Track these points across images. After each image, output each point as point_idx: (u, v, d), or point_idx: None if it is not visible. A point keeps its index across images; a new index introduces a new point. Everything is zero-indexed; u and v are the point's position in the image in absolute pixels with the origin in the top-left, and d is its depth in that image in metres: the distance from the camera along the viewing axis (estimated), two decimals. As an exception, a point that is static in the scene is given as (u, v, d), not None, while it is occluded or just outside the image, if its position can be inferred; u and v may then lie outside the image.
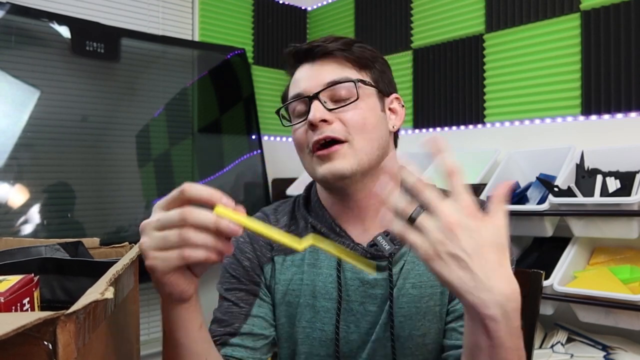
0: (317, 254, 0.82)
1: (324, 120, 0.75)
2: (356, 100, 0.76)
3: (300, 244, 0.57)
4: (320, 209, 0.84)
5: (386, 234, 0.79)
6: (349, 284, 0.79)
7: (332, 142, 0.75)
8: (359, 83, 0.77)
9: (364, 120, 0.76)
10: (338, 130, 0.75)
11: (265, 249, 0.84)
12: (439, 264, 0.52)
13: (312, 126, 0.75)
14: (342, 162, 0.74)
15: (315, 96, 0.76)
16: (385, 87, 0.83)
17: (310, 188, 0.91)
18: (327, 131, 0.75)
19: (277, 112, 0.84)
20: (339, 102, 0.77)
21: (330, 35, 0.81)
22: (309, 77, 0.78)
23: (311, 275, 0.81)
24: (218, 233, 0.52)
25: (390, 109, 0.83)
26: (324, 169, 0.75)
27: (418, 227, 0.53)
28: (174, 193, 0.54)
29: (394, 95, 0.84)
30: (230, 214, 0.52)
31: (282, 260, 0.83)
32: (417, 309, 0.77)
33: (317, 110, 0.74)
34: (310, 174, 0.80)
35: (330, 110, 0.76)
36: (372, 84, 0.80)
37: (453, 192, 0.53)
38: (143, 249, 0.54)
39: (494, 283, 0.51)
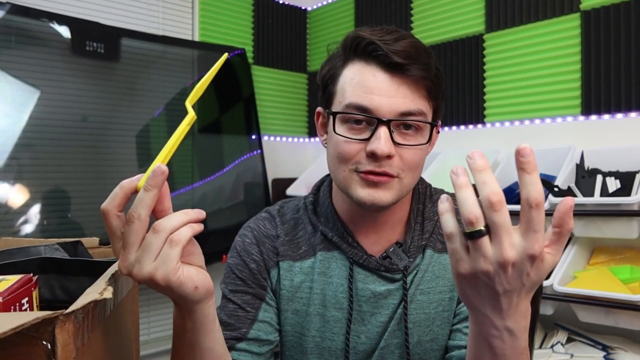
0: (328, 262, 0.80)
1: (388, 156, 0.70)
2: (425, 143, 0.73)
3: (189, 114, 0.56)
4: (332, 215, 0.82)
5: (399, 245, 0.78)
6: (360, 295, 0.78)
7: (384, 173, 0.71)
8: (434, 125, 0.74)
9: (420, 161, 0.74)
10: (395, 167, 0.71)
11: (271, 252, 0.83)
12: (470, 285, 0.48)
13: (374, 156, 0.70)
14: (387, 194, 0.72)
15: (388, 123, 0.70)
16: (438, 116, 0.78)
17: (318, 190, 0.88)
18: (385, 166, 0.70)
19: (335, 114, 0.74)
20: (404, 134, 0.71)
21: (399, 33, 0.72)
22: (386, 93, 0.70)
23: (321, 284, 0.80)
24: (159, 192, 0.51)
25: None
26: (366, 194, 0.72)
27: (473, 245, 0.45)
28: (108, 226, 0.52)
29: (438, 124, 0.79)
30: (146, 173, 0.52)
31: (289, 266, 0.82)
32: (426, 315, 0.77)
33: (386, 144, 0.69)
34: (343, 187, 0.75)
35: (396, 143, 0.71)
36: (438, 121, 0.76)
37: (529, 226, 0.44)
38: (138, 270, 0.49)
39: (511, 313, 0.49)
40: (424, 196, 0.83)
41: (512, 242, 0.44)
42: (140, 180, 0.51)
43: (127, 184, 0.51)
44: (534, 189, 0.43)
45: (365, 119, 0.71)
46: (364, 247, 0.79)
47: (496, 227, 0.44)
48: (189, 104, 0.56)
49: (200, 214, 0.52)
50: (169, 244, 0.49)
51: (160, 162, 0.52)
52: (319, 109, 0.82)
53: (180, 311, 0.56)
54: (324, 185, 0.87)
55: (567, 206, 0.44)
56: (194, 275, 0.53)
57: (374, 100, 0.70)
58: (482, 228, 0.44)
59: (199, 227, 0.52)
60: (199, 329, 0.57)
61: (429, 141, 0.73)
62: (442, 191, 0.87)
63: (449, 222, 0.47)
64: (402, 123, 0.71)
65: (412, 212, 0.81)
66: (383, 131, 0.69)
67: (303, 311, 0.80)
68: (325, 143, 0.79)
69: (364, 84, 0.71)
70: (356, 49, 0.73)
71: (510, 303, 0.47)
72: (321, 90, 0.80)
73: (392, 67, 0.70)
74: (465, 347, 0.73)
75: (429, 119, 0.74)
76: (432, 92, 0.73)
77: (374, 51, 0.71)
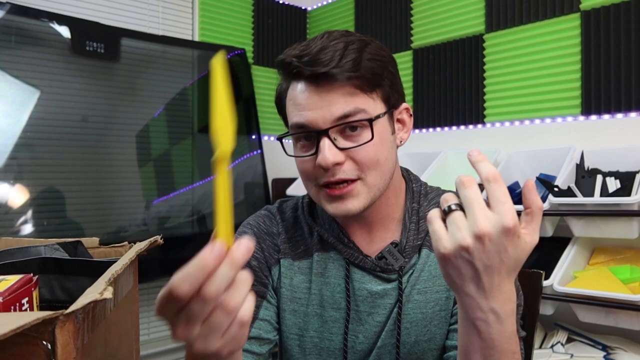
0: (325, 263, 0.81)
1: (336, 163, 0.70)
2: (370, 140, 0.71)
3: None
4: (327, 217, 0.82)
5: (394, 245, 0.78)
6: (357, 294, 0.78)
7: (342, 181, 0.71)
8: (374, 119, 0.71)
9: (377, 156, 0.72)
10: (350, 171, 0.71)
11: (272, 249, 0.83)
12: (452, 264, 0.50)
13: (323, 168, 0.70)
14: (354, 202, 0.71)
15: (325, 132, 0.70)
16: (395, 101, 0.76)
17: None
18: (339, 173, 0.70)
19: (280, 138, 0.76)
20: (350, 137, 0.71)
21: (331, 36, 0.72)
22: (315, 106, 0.70)
23: (319, 285, 0.80)
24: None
25: (398, 120, 0.78)
26: (334, 208, 0.72)
27: (450, 221, 0.50)
28: (169, 301, 0.42)
29: (403, 106, 0.79)
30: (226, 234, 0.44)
31: (289, 264, 0.82)
32: (423, 315, 0.77)
33: (329, 153, 0.69)
34: (318, 203, 0.76)
35: (341, 149, 0.70)
36: (385, 109, 0.74)
37: (493, 199, 0.48)
38: (205, 350, 0.44)
39: (495, 294, 0.50)
40: (418, 195, 0.83)
41: (485, 215, 0.48)
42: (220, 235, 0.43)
43: (213, 264, 0.42)
44: (486, 168, 0.49)
45: (307, 135, 0.73)
46: (360, 247, 0.80)
47: (468, 201, 0.49)
48: (221, 162, 0.48)
49: (248, 276, 0.46)
50: (238, 326, 0.44)
51: (227, 230, 0.44)
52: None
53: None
54: None
55: (529, 186, 0.49)
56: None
57: (308, 116, 0.71)
58: (454, 204, 0.50)
59: (253, 297, 0.46)
60: None
61: (373, 137, 0.71)
62: (438, 189, 0.86)
63: (431, 210, 0.53)
64: (341, 128, 0.71)
65: (407, 212, 0.81)
66: (324, 142, 0.70)
67: (301, 312, 0.80)
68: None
69: (297, 103, 0.73)
70: (285, 72, 0.75)
71: (492, 282, 0.50)
72: (278, 110, 0.82)
73: (317, 79, 0.70)
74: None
75: (376, 112, 0.72)
76: (368, 85, 0.72)
77: (294, 69, 0.71)
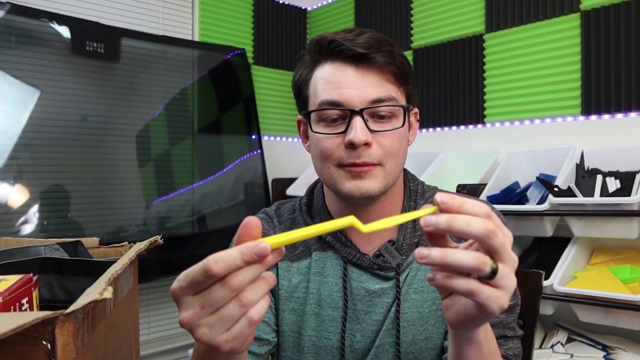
0: (323, 262, 0.81)
1: (365, 143, 0.72)
2: (400, 127, 0.74)
3: (365, 226, 0.47)
4: (325, 216, 0.83)
5: (391, 243, 0.78)
6: (355, 293, 0.79)
7: (367, 164, 0.73)
8: (407, 108, 0.75)
9: (399, 146, 0.75)
10: (375, 155, 0.72)
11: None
12: (477, 320, 0.49)
13: (352, 145, 0.71)
14: (373, 182, 0.73)
15: (360, 112, 0.72)
16: (413, 102, 0.80)
17: (312, 192, 0.89)
18: (365, 156, 0.72)
19: (310, 113, 0.77)
20: (379, 123, 0.74)
21: (361, 31, 0.75)
22: (353, 84, 0.73)
23: (317, 284, 0.80)
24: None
25: (409, 123, 0.81)
26: (352, 185, 0.73)
27: (496, 282, 0.45)
28: (199, 276, 0.43)
29: (414, 110, 0.82)
30: (276, 239, 0.45)
31: (287, 266, 0.82)
32: (420, 314, 0.77)
33: (361, 132, 0.71)
34: (330, 185, 0.76)
35: (372, 131, 0.72)
36: (412, 105, 0.78)
37: (501, 250, 0.45)
38: (208, 339, 0.45)
39: None
40: (415, 194, 0.83)
41: (510, 249, 0.46)
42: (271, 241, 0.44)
43: (249, 257, 0.43)
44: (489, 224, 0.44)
45: (340, 113, 0.74)
46: (358, 246, 0.80)
47: (499, 249, 0.45)
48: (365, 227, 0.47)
49: (273, 279, 0.46)
50: (247, 322, 0.44)
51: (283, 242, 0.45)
52: (299, 117, 0.84)
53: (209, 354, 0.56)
54: (318, 187, 0.88)
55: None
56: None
57: (344, 93, 0.72)
58: (491, 261, 0.45)
59: (269, 300, 0.47)
60: None
61: (403, 124, 0.75)
62: (435, 188, 0.87)
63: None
64: (375, 112, 0.73)
65: (404, 210, 0.82)
66: (357, 121, 0.71)
67: (300, 310, 0.81)
68: (309, 147, 0.81)
69: (333, 80, 0.74)
70: (320, 50, 0.76)
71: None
72: (296, 97, 0.83)
73: (357, 59, 0.73)
74: None
75: (401, 104, 0.76)
76: (399, 77, 0.75)
77: (337, 47, 0.73)
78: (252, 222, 0.45)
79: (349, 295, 0.79)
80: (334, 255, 0.81)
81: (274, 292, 0.82)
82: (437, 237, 0.47)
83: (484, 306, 0.45)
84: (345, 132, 0.72)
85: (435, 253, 0.44)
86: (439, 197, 0.45)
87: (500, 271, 0.45)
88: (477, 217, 0.44)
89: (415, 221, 0.80)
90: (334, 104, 0.73)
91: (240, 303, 0.44)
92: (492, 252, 0.45)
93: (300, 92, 0.80)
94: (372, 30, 0.76)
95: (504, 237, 0.45)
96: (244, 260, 0.43)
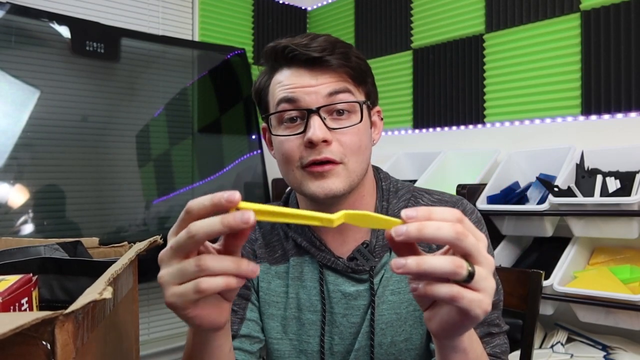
0: (301, 267, 0.82)
1: (324, 141, 0.72)
2: (359, 122, 0.74)
3: (333, 220, 0.48)
4: None
5: (365, 245, 0.78)
6: (332, 297, 0.79)
7: (327, 161, 0.73)
8: (363, 103, 0.76)
9: (360, 143, 0.75)
10: (336, 152, 0.73)
11: (251, 254, 0.85)
12: (462, 326, 0.48)
13: (311, 144, 0.72)
14: (336, 181, 0.73)
15: (317, 111, 0.73)
16: (374, 101, 0.81)
17: (287, 199, 0.89)
18: (325, 152, 0.72)
19: (267, 117, 0.78)
20: (338, 119, 0.74)
21: (316, 35, 0.76)
22: (307, 85, 0.74)
23: (296, 288, 0.81)
24: (233, 235, 0.45)
25: (371, 122, 0.81)
26: (316, 187, 0.73)
27: (475, 285, 0.44)
28: (181, 215, 0.46)
29: (376, 108, 0.83)
30: (250, 205, 0.44)
31: (266, 269, 0.83)
32: (398, 315, 0.77)
33: (319, 130, 0.71)
34: (296, 188, 0.77)
35: (330, 128, 0.73)
36: (369, 102, 0.78)
37: (475, 252, 0.45)
38: (161, 282, 0.47)
39: None
40: (387, 193, 0.83)
41: (485, 249, 0.47)
42: (242, 204, 0.43)
43: (217, 198, 0.43)
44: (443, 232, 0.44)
45: (297, 114, 0.74)
46: (332, 250, 0.80)
47: (472, 251, 0.44)
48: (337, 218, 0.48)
49: (254, 269, 0.46)
50: (194, 286, 0.44)
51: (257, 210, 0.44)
52: (264, 125, 0.84)
53: (191, 331, 0.59)
54: (293, 193, 0.89)
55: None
56: (211, 314, 0.49)
57: (299, 91, 0.74)
58: (466, 264, 0.44)
59: (235, 284, 0.45)
60: (210, 354, 0.58)
61: (362, 119, 0.75)
62: (408, 186, 0.85)
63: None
64: (332, 109, 0.74)
65: (376, 211, 0.81)
66: (315, 119, 0.72)
67: (279, 315, 0.81)
68: (274, 154, 0.81)
69: (287, 83, 0.75)
70: (276, 57, 0.77)
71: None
72: (257, 104, 0.83)
73: (311, 63, 0.74)
74: None
75: (358, 99, 0.76)
76: (355, 78, 0.76)
77: (291, 52, 0.74)
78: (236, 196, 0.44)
79: (326, 299, 0.79)
80: (310, 260, 0.81)
81: (257, 293, 0.83)
82: (406, 250, 0.46)
83: (467, 311, 0.45)
84: (304, 132, 0.73)
85: (411, 261, 0.43)
86: (404, 213, 0.45)
87: (478, 273, 0.44)
88: (446, 222, 0.44)
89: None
90: (290, 101, 0.74)
91: (197, 263, 0.44)
92: (466, 255, 0.45)
93: (261, 99, 0.81)
94: (327, 34, 0.78)
95: (476, 240, 0.45)
96: (213, 203, 0.43)
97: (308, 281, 0.81)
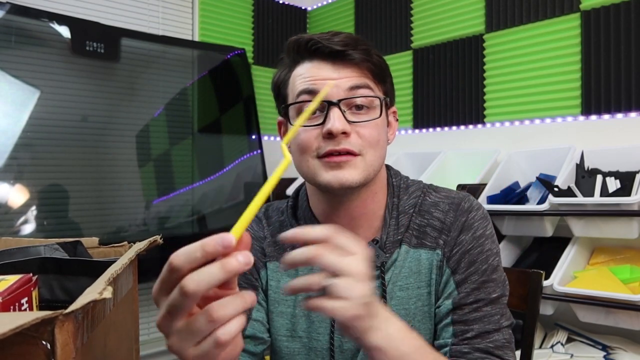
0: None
1: (343, 132, 0.72)
2: (378, 117, 0.75)
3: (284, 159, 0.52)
4: (309, 217, 0.83)
5: (375, 242, 0.78)
6: None
7: (346, 152, 0.73)
8: (384, 99, 0.76)
9: (379, 137, 0.75)
10: (355, 143, 0.73)
11: (260, 253, 0.84)
12: (365, 319, 0.53)
13: (330, 135, 0.72)
14: (352, 172, 0.73)
15: (337, 103, 0.73)
16: (391, 100, 0.82)
17: (297, 195, 0.89)
18: (344, 143, 0.72)
19: (287, 105, 0.77)
20: (357, 114, 0.74)
21: (338, 32, 0.76)
22: (329, 78, 0.74)
23: None
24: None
25: (387, 121, 0.81)
26: (331, 176, 0.73)
27: (336, 294, 0.50)
28: (164, 274, 0.43)
29: (393, 109, 0.83)
30: (238, 230, 0.44)
31: (276, 267, 0.83)
32: (406, 311, 0.77)
33: (339, 121, 0.71)
34: (309, 177, 0.76)
35: (349, 122, 0.73)
36: (388, 99, 0.79)
37: (333, 267, 0.51)
38: (175, 351, 0.44)
39: (382, 319, 0.55)
40: (398, 189, 0.83)
41: (349, 260, 0.52)
42: (233, 239, 0.42)
43: (212, 247, 0.42)
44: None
45: (317, 105, 0.73)
46: None
47: (329, 266, 0.51)
48: (284, 145, 0.54)
49: (255, 300, 0.45)
50: (214, 341, 0.42)
51: (245, 223, 0.45)
52: (280, 118, 0.84)
53: None
54: (302, 190, 0.88)
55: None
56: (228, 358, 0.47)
57: (320, 84, 0.74)
58: (327, 280, 0.51)
59: (244, 322, 0.44)
60: None
61: (381, 114, 0.75)
62: (419, 183, 0.86)
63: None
64: (352, 103, 0.74)
65: (387, 207, 0.81)
66: (335, 111, 0.72)
67: (289, 313, 0.81)
68: (289, 147, 0.81)
69: (308, 75, 0.75)
70: (299, 50, 0.77)
71: (378, 307, 0.55)
72: (275, 98, 0.83)
73: (333, 56, 0.74)
74: (446, 346, 0.73)
75: (378, 95, 0.77)
76: (376, 74, 0.77)
77: (314, 45, 0.75)
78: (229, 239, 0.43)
79: None
80: None
81: (265, 292, 0.83)
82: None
83: (335, 316, 0.51)
84: (323, 123, 0.73)
85: (289, 286, 0.52)
86: (282, 236, 0.51)
87: (336, 284, 0.50)
88: (302, 248, 0.51)
89: (398, 219, 0.80)
90: (310, 92, 0.74)
91: (208, 318, 0.41)
92: (326, 270, 0.50)
93: (280, 92, 0.81)
94: (350, 33, 0.78)
95: (334, 256, 0.50)
96: (206, 253, 0.41)
97: None
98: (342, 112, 0.72)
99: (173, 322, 0.43)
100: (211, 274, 0.41)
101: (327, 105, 0.73)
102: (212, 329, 0.42)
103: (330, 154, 0.72)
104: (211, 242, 0.41)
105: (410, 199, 0.82)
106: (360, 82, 0.74)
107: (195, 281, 0.41)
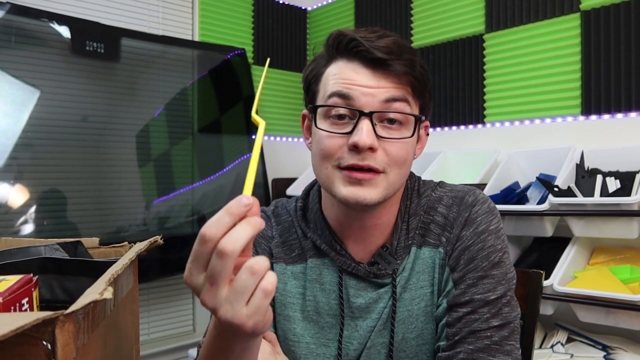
0: (319, 269, 0.79)
1: (370, 148, 0.68)
2: (409, 137, 0.71)
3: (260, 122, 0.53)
4: (320, 221, 0.80)
5: (385, 249, 0.77)
6: (352, 301, 0.77)
7: (369, 169, 0.69)
8: (420, 119, 0.72)
9: (406, 157, 0.71)
10: (380, 161, 0.69)
11: (266, 253, 0.82)
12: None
13: (355, 148, 0.68)
14: (372, 191, 0.69)
15: (370, 115, 0.68)
16: (426, 115, 0.77)
17: (307, 195, 0.86)
18: (369, 159, 0.68)
19: (317, 108, 0.73)
20: (388, 128, 0.70)
21: (384, 33, 0.72)
22: (365, 85, 0.70)
23: (314, 291, 0.79)
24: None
25: (418, 136, 0.77)
26: (349, 192, 0.69)
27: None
28: (197, 247, 0.45)
29: (425, 123, 0.78)
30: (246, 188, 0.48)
31: (282, 269, 0.81)
32: (410, 312, 0.76)
33: (367, 135, 0.67)
34: (326, 185, 0.73)
35: (379, 136, 0.69)
36: (424, 117, 0.74)
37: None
38: (231, 317, 0.45)
39: None
40: (411, 192, 0.80)
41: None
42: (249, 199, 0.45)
43: (236, 209, 0.45)
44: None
45: (348, 112, 0.70)
46: (352, 254, 0.78)
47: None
48: (254, 114, 0.55)
49: (263, 223, 0.48)
50: (262, 293, 0.45)
51: (250, 184, 0.47)
52: (304, 111, 0.80)
53: (228, 341, 0.53)
54: (314, 190, 0.85)
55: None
56: (270, 317, 0.48)
57: (355, 90, 0.69)
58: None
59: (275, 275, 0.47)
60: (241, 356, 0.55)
61: (413, 134, 0.71)
62: (430, 182, 0.84)
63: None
64: (385, 117, 0.70)
65: (400, 212, 0.79)
66: (365, 123, 0.68)
67: (295, 317, 0.79)
68: (310, 144, 0.78)
69: (345, 77, 0.71)
70: (338, 47, 0.72)
71: None
72: (305, 90, 0.79)
73: (374, 63, 0.70)
74: (442, 346, 0.72)
75: (414, 112, 0.72)
76: (416, 88, 0.72)
77: (356, 47, 0.70)
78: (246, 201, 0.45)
79: (345, 304, 0.78)
80: (330, 263, 0.79)
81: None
82: None
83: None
84: (350, 133, 0.69)
85: None
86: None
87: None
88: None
89: (409, 222, 0.78)
90: (343, 97, 0.70)
91: (250, 271, 0.44)
92: None
93: (310, 86, 0.77)
94: (396, 34, 0.73)
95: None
96: (234, 215, 0.44)
97: (327, 284, 0.78)
98: (373, 125, 0.68)
99: (218, 291, 0.45)
100: (243, 231, 0.44)
101: (358, 115, 0.69)
102: (257, 281, 0.44)
103: (352, 167, 0.69)
104: (234, 204, 0.44)
105: (422, 199, 0.79)
106: (397, 94, 0.70)
107: (232, 241, 0.44)
